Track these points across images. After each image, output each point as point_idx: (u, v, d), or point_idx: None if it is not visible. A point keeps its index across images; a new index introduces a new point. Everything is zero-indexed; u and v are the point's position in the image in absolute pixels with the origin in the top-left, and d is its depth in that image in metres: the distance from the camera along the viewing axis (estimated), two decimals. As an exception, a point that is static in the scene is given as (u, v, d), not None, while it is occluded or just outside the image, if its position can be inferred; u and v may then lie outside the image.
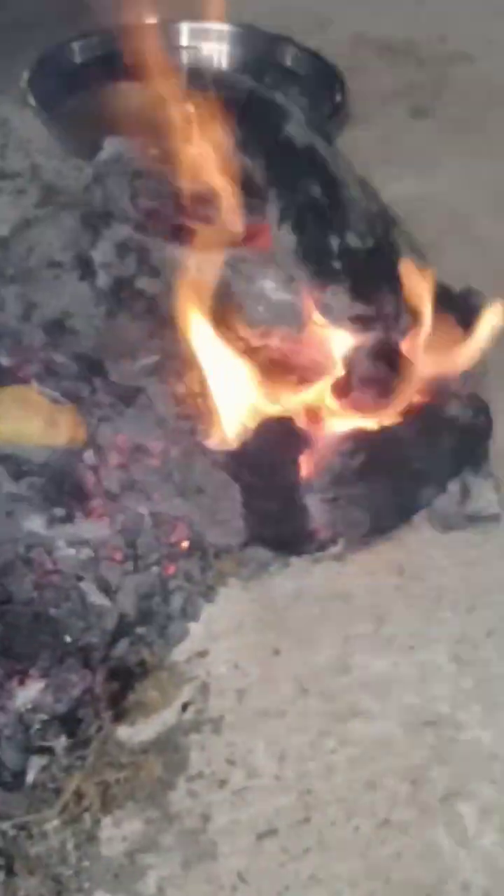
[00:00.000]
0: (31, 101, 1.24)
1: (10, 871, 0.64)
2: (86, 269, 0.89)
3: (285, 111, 0.79)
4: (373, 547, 0.85)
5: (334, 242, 0.75)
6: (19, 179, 1.18)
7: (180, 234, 0.82)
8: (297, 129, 0.78)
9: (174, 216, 0.82)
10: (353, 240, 0.75)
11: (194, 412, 0.84)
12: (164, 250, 0.83)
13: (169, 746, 0.71)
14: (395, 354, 0.81)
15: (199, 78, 1.15)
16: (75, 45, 1.35)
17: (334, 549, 0.83)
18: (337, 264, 0.75)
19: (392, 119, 1.40)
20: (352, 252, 0.76)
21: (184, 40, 1.40)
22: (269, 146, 0.78)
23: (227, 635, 0.78)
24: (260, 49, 1.38)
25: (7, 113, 1.28)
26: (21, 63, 1.30)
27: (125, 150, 0.86)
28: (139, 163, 0.84)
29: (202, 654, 0.77)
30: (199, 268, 0.82)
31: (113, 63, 1.34)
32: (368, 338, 0.80)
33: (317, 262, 0.76)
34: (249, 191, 0.82)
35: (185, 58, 1.39)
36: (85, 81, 1.32)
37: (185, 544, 0.82)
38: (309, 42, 1.42)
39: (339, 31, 1.57)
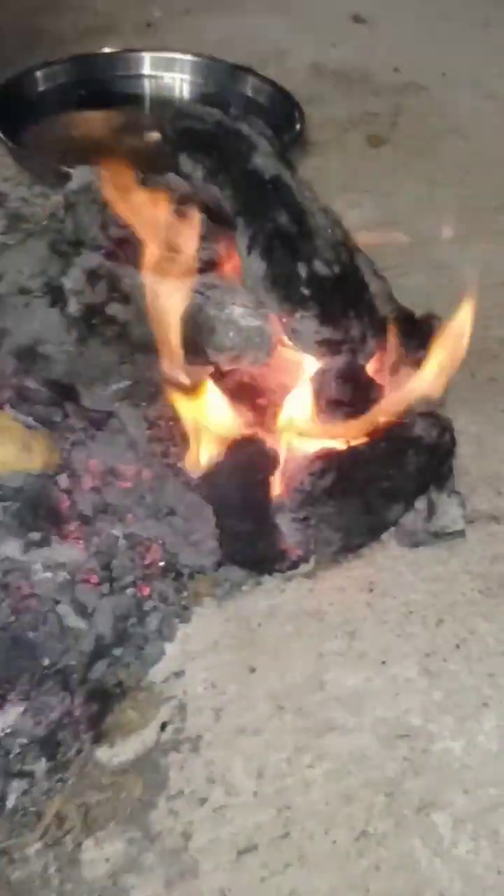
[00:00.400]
0: (-5, 128, 1.25)
1: (-8, 898, 0.64)
2: (56, 295, 0.90)
3: (252, 142, 0.81)
4: (343, 564, 0.87)
5: (302, 269, 0.77)
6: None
7: (153, 262, 0.83)
8: (263, 159, 0.80)
9: (146, 244, 0.83)
10: (320, 267, 0.78)
11: (166, 435, 0.86)
12: (134, 277, 0.84)
13: (148, 766, 0.72)
14: (362, 377, 0.84)
15: (164, 107, 1.18)
16: (38, 74, 1.37)
17: (305, 568, 0.85)
18: (305, 290, 0.77)
19: (350, 147, 1.44)
20: (319, 278, 0.78)
21: (146, 69, 1.43)
22: (237, 176, 0.80)
23: (203, 655, 0.80)
24: (220, 78, 1.42)
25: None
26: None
27: (95, 179, 0.87)
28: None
29: (179, 674, 0.78)
30: (169, 294, 0.84)
31: (76, 91, 1.36)
32: (336, 361, 0.82)
33: (285, 288, 0.78)
34: (218, 219, 0.84)
35: (147, 87, 1.42)
36: (48, 109, 1.33)
37: (160, 566, 0.83)
38: (266, 72, 1.46)
39: (296, 61, 1.61)
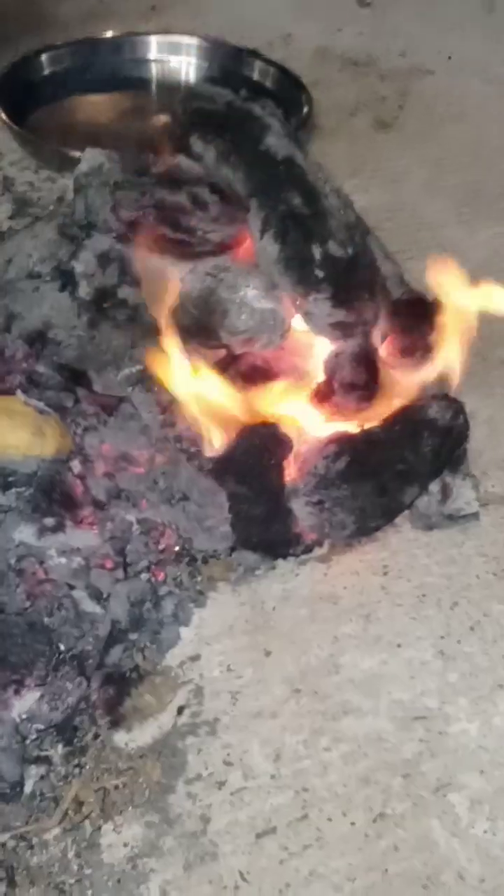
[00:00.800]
0: (0, 113, 1.24)
1: (11, 883, 0.64)
2: (66, 279, 0.90)
3: (264, 122, 0.81)
4: (357, 548, 0.86)
5: (316, 251, 0.77)
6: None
7: (165, 245, 0.83)
8: (276, 139, 0.80)
9: (156, 226, 0.83)
10: (334, 248, 0.77)
11: (179, 420, 0.85)
12: (147, 261, 0.84)
13: (166, 750, 0.72)
14: (375, 359, 0.83)
15: (174, 90, 1.17)
16: (43, 57, 1.36)
17: (319, 551, 0.85)
18: (319, 272, 0.77)
19: (357, 131, 1.43)
20: (333, 260, 0.77)
21: (152, 53, 1.42)
22: (250, 157, 0.80)
23: (218, 639, 0.79)
24: (227, 62, 1.41)
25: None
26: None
27: (105, 161, 0.87)
28: (120, 173, 0.85)
29: (195, 658, 0.78)
30: (180, 277, 0.83)
31: (81, 74, 1.35)
32: (349, 344, 0.82)
33: (299, 270, 0.77)
34: (230, 201, 0.83)
35: (153, 70, 1.41)
36: (53, 93, 1.32)
37: (174, 550, 0.83)
38: (273, 56, 1.45)
39: (302, 45, 1.60)
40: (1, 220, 1.14)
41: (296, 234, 0.77)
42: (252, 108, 0.82)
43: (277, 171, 0.78)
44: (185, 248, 0.84)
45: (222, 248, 0.84)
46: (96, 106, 1.33)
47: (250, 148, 0.80)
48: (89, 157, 0.87)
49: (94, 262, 0.86)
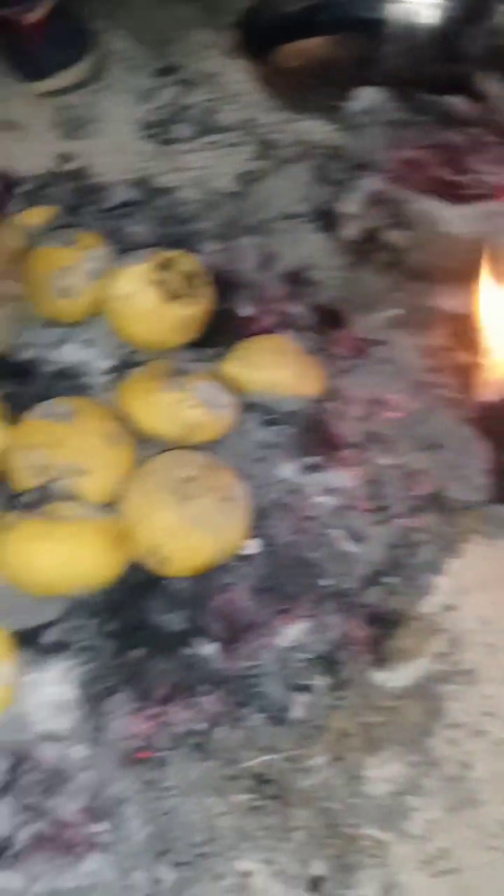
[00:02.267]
0: (242, 54, 1.24)
1: (285, 802, 0.66)
2: (326, 220, 0.89)
3: None
4: None
5: None
6: (233, 133, 1.19)
7: (439, 187, 0.81)
8: None
9: (435, 168, 0.81)
10: None
11: (439, 366, 0.84)
12: (419, 203, 0.82)
13: (425, 694, 0.72)
14: None
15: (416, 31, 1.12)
16: (283, -3, 1.34)
17: None
18: None
19: None
20: None
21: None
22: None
23: (473, 590, 0.78)
24: (473, 2, 1.34)
25: (217, 67, 1.28)
26: (230, 15, 1.30)
27: (381, 99, 0.85)
28: (397, 112, 0.83)
29: (450, 607, 0.77)
30: (453, 221, 0.81)
31: (322, 14, 1.33)
32: None
33: None
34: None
35: (395, 11, 1.36)
36: (294, 33, 1.31)
37: (428, 498, 0.82)
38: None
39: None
40: (245, 161, 1.14)
41: None
42: None
43: None
44: (460, 190, 0.81)
45: (498, 191, 0.81)
46: (337, 46, 1.30)
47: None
48: (365, 96, 0.86)
49: (361, 203, 0.85)
